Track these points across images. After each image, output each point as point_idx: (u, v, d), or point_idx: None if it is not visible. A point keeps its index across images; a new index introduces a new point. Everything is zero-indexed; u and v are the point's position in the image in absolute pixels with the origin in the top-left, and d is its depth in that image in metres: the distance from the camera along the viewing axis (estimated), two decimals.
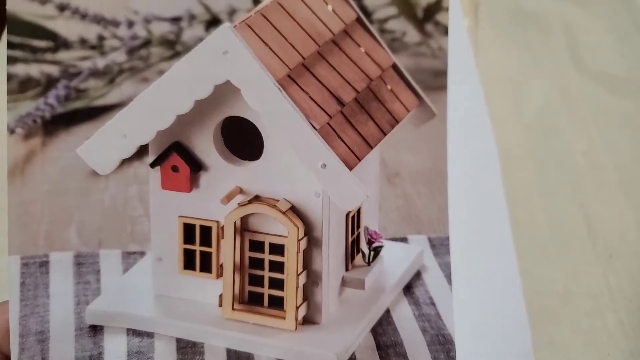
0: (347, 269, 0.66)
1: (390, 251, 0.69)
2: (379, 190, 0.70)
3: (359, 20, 0.69)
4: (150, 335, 0.62)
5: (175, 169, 0.62)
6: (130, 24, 0.62)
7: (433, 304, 0.67)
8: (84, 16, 0.63)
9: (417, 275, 0.70)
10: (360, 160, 0.61)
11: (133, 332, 0.63)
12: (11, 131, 0.62)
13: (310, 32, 0.65)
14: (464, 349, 0.65)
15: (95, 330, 0.63)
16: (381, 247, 0.67)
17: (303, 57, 0.63)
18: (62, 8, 0.63)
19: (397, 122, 0.67)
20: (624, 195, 0.81)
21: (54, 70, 0.64)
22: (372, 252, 0.67)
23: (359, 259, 0.67)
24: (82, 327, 0.63)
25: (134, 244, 0.67)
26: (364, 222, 0.67)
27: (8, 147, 0.66)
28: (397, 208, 0.72)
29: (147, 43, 0.64)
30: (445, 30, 0.75)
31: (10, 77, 0.63)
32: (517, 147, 0.83)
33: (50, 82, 0.64)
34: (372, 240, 0.67)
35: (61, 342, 0.62)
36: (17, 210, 0.64)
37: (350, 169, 0.59)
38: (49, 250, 0.64)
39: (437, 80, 0.72)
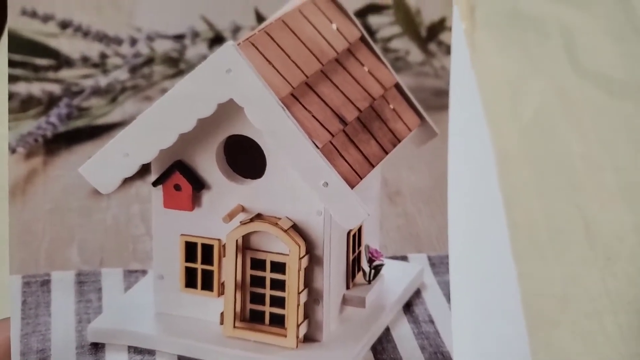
0: (348, 287, 0.67)
1: (390, 269, 0.69)
2: (380, 208, 0.71)
3: (362, 39, 0.70)
4: (151, 352, 0.63)
5: (177, 187, 0.63)
6: (133, 42, 0.63)
7: (432, 321, 0.68)
8: (86, 34, 0.63)
9: (417, 293, 0.71)
10: (361, 179, 0.62)
11: (135, 350, 0.63)
12: (12, 150, 0.63)
13: (314, 51, 0.66)
14: None
15: (97, 348, 0.63)
16: (382, 265, 0.68)
17: (306, 76, 0.64)
18: (64, 26, 0.64)
19: (399, 141, 0.68)
20: (622, 198, 0.81)
21: (55, 88, 0.65)
22: (372, 271, 0.68)
23: (359, 277, 0.68)
24: (83, 345, 0.63)
25: (136, 262, 0.67)
26: (365, 240, 0.68)
27: (9, 167, 0.67)
28: (398, 226, 0.73)
29: (150, 61, 0.65)
30: (448, 50, 0.76)
31: (11, 96, 0.64)
32: (514, 150, 0.83)
33: (52, 101, 0.64)
34: (373, 258, 0.68)
35: None
36: (18, 229, 0.65)
37: (352, 187, 0.60)
38: (50, 269, 0.65)
39: (439, 99, 0.73)
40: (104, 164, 0.61)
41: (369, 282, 0.68)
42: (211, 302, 0.64)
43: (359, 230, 0.67)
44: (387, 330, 0.67)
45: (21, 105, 0.63)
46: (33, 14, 0.63)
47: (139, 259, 0.67)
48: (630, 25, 0.99)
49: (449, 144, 0.70)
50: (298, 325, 0.62)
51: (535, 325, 0.69)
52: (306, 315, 0.63)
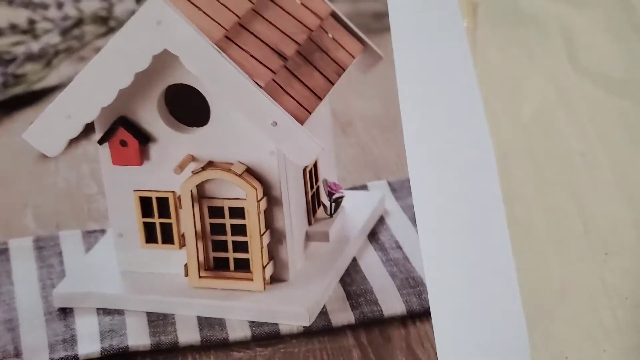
0: (310, 224, 0.70)
1: (351, 200, 0.72)
2: (334, 140, 0.73)
3: None
4: (120, 312, 0.66)
5: (123, 143, 0.65)
6: (60, 5, 0.64)
7: (399, 247, 0.71)
8: (10, 2, 0.65)
9: (381, 220, 0.74)
10: (310, 114, 0.64)
11: (103, 311, 0.66)
12: None
13: None
14: (435, 289, 0.69)
15: (65, 312, 0.66)
16: (342, 197, 0.71)
17: (238, 16, 0.65)
18: None
19: (344, 70, 0.70)
20: (620, 195, 0.85)
21: None
22: (333, 204, 0.71)
23: (321, 212, 0.71)
24: (51, 311, 0.66)
25: (93, 222, 0.69)
26: (322, 175, 0.71)
27: None
28: (354, 157, 0.75)
29: (79, 22, 0.66)
30: None
31: None
32: (514, 147, 0.86)
33: None
34: (332, 191, 0.71)
35: (32, 329, 0.64)
36: None
37: (302, 123, 0.62)
38: (7, 238, 0.67)
39: (379, 22, 0.75)
40: (47, 127, 0.63)
41: (331, 215, 0.71)
42: (174, 255, 0.67)
43: (315, 165, 0.70)
44: (355, 261, 0.70)
45: None
46: None
47: (96, 218, 0.69)
48: (630, 24, 1.00)
49: (395, 66, 0.73)
50: (264, 268, 0.65)
51: (534, 320, 0.73)
52: (271, 257, 0.66)
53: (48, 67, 0.63)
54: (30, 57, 0.63)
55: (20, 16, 0.62)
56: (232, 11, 0.64)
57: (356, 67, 0.70)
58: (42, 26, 0.63)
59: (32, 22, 0.62)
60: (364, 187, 0.76)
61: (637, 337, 0.74)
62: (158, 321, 0.64)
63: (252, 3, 0.66)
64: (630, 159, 0.88)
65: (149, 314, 0.65)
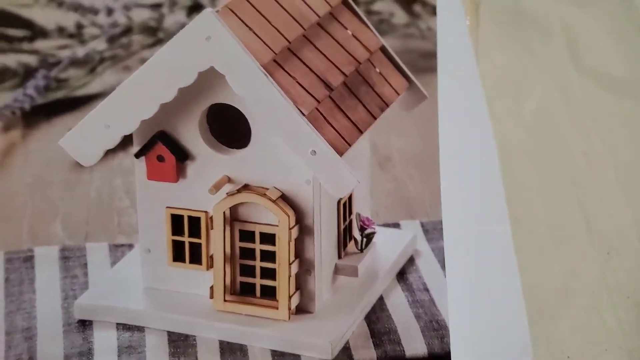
0: (339, 257, 0.65)
1: (383, 237, 0.67)
2: (371, 175, 0.69)
3: (345, 2, 0.67)
4: (140, 329, 0.61)
5: (160, 158, 0.60)
6: (110, 11, 0.60)
7: (427, 289, 0.66)
8: (60, 4, 0.60)
9: (411, 260, 0.69)
10: (350, 146, 0.60)
11: (123, 327, 0.61)
12: None
13: (295, 15, 0.63)
14: (458, 334, 0.64)
15: (84, 325, 0.61)
16: (373, 233, 0.66)
17: (288, 41, 0.61)
18: None
19: (387, 105, 0.65)
20: (622, 194, 0.80)
21: (31, 60, 0.62)
22: (364, 239, 0.66)
23: (351, 246, 0.66)
24: (70, 322, 0.61)
25: (122, 236, 0.65)
26: (355, 208, 0.66)
27: None
28: (389, 193, 0.71)
29: (127, 30, 0.62)
30: (433, 11, 0.74)
31: None
32: (516, 146, 0.82)
33: (28, 73, 0.61)
34: (365, 226, 0.66)
35: (49, 339, 0.60)
36: (4, 206, 0.63)
37: (341, 154, 0.58)
38: (33, 245, 0.63)
39: (426, 61, 0.71)
40: (84, 136, 0.58)
41: (361, 250, 0.66)
42: (200, 275, 0.62)
43: (350, 198, 0.65)
44: (381, 299, 0.65)
45: None
46: None
47: (125, 232, 0.65)
48: (632, 25, 0.97)
49: (439, 107, 0.68)
50: (290, 297, 0.61)
51: (536, 319, 0.68)
52: (298, 287, 0.62)
53: (92, 73, 0.59)
54: (75, 62, 0.59)
55: (69, 19, 0.59)
56: (283, 35, 0.60)
57: (400, 104, 0.66)
58: (90, 31, 0.59)
59: (80, 26, 0.58)
60: (396, 225, 0.71)
61: (639, 336, 0.69)
62: (179, 341, 0.59)
63: (304, 29, 0.62)
64: (633, 158, 0.84)
65: (169, 334, 0.60)
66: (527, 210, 0.76)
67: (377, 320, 0.63)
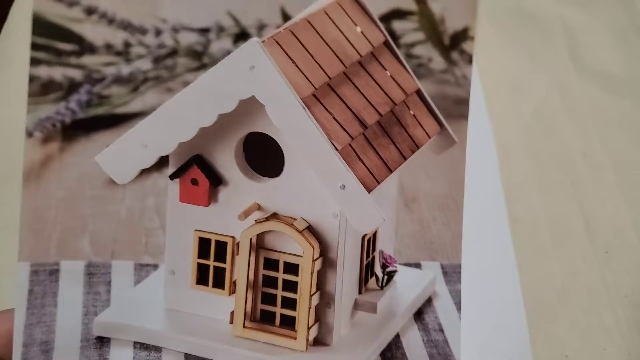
0: (360, 292, 0.63)
1: (403, 276, 0.66)
2: (396, 214, 0.67)
3: (386, 43, 0.66)
4: (158, 349, 0.59)
5: (194, 182, 0.59)
6: (158, 32, 0.58)
7: (442, 330, 0.64)
8: (111, 21, 0.59)
9: (428, 301, 0.67)
10: (379, 184, 0.59)
11: (140, 346, 0.59)
12: (29, 134, 0.58)
13: (338, 53, 0.62)
14: None
15: (102, 342, 0.59)
16: (395, 271, 0.65)
17: (329, 77, 0.60)
18: (89, 12, 0.60)
19: (418, 147, 0.64)
20: (621, 194, 0.77)
21: (77, 74, 0.60)
22: (385, 277, 0.64)
23: (372, 282, 0.64)
24: (88, 338, 0.59)
25: (148, 256, 0.63)
26: (379, 245, 0.65)
27: (25, 151, 0.63)
28: (413, 233, 0.69)
29: (173, 52, 0.60)
30: (470, 59, 0.72)
31: (32, 79, 0.60)
32: (515, 145, 0.78)
33: (72, 87, 0.60)
34: (387, 264, 0.64)
35: (66, 354, 0.58)
36: (29, 215, 0.61)
37: (369, 191, 0.56)
38: (60, 259, 0.61)
39: (459, 108, 0.69)
40: (121, 153, 0.57)
41: (382, 288, 0.64)
42: (222, 300, 0.60)
43: (374, 235, 0.64)
44: (397, 337, 0.63)
45: (41, 89, 0.58)
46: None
47: (151, 252, 0.63)
48: (632, 25, 0.94)
49: (467, 153, 0.67)
50: (308, 328, 0.59)
51: (534, 318, 0.65)
52: (317, 318, 0.60)
53: (134, 92, 0.58)
54: (119, 80, 0.57)
55: (118, 37, 0.57)
56: (324, 71, 0.59)
57: (429, 147, 0.64)
58: (137, 50, 0.57)
59: (127, 44, 0.57)
60: (417, 265, 0.70)
61: (638, 335, 0.66)
62: None
63: (345, 67, 0.61)
64: (631, 158, 0.80)
65: (187, 356, 0.58)
66: (526, 210, 0.73)
67: (392, 357, 0.61)
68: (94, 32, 0.59)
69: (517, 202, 0.72)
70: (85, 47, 0.59)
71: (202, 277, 0.61)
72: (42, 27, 0.58)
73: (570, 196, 0.76)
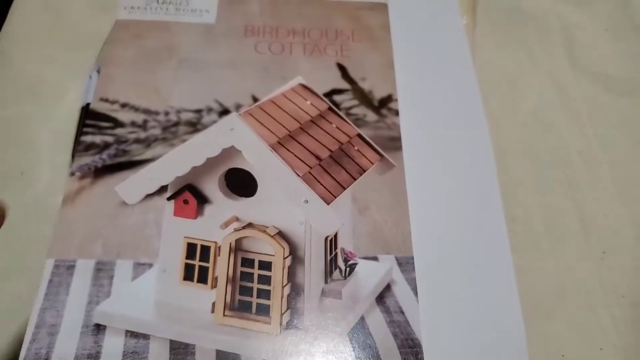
0: (326, 282, 0.41)
1: (363, 268, 0.43)
2: (353, 218, 0.45)
3: (330, 108, 0.49)
4: (146, 337, 0.36)
5: (186, 202, 0.39)
6: (167, 113, 0.43)
7: (402, 312, 0.40)
8: (137, 109, 0.44)
9: (388, 288, 0.43)
10: (335, 197, 0.39)
11: (131, 334, 0.37)
12: (72, 173, 0.41)
13: (294, 116, 0.45)
14: (430, 351, 0.36)
15: (99, 329, 0.37)
16: (356, 264, 0.42)
17: (289, 131, 0.42)
18: (123, 105, 0.45)
19: (364, 171, 0.44)
20: (618, 193, 0.45)
21: (109, 139, 0.44)
22: (348, 269, 0.42)
23: (337, 274, 0.42)
24: (88, 324, 0.37)
25: (146, 257, 0.42)
26: (340, 244, 0.43)
27: (67, 185, 0.42)
28: (368, 233, 0.46)
29: (176, 124, 0.44)
30: (396, 113, 0.51)
31: (80, 143, 0.44)
32: (512, 144, 0.47)
33: (105, 146, 0.44)
34: (348, 258, 0.42)
35: (67, 338, 0.36)
36: (63, 227, 0.41)
37: (328, 203, 0.37)
38: (77, 257, 0.40)
39: (392, 143, 0.48)
40: (134, 184, 0.38)
41: (345, 278, 0.42)
42: (205, 293, 0.38)
43: (335, 236, 0.42)
44: (362, 319, 0.39)
45: (85, 148, 0.42)
46: (106, 100, 0.44)
47: (148, 254, 0.42)
48: (629, 24, 0.56)
49: (405, 173, 0.45)
50: (282, 314, 0.36)
51: (531, 317, 0.38)
52: (289, 306, 0.38)
53: (147, 147, 0.40)
54: (137, 141, 0.41)
55: (139, 118, 0.40)
56: (285, 127, 0.41)
57: (374, 170, 0.43)
58: (151, 124, 0.42)
59: (145, 121, 0.41)
60: (375, 259, 0.45)
61: (634, 335, 0.37)
62: (179, 349, 0.35)
63: (301, 124, 0.42)
64: (628, 157, 0.46)
65: (172, 342, 0.36)
66: (523, 209, 0.44)
67: (358, 337, 0.37)
68: (124, 115, 0.44)
69: (514, 201, 0.43)
70: (117, 124, 0.43)
71: (188, 274, 0.39)
72: (93, 115, 0.43)
73: (567, 195, 0.45)
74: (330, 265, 0.42)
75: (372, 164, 0.49)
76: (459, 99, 0.46)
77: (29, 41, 0.49)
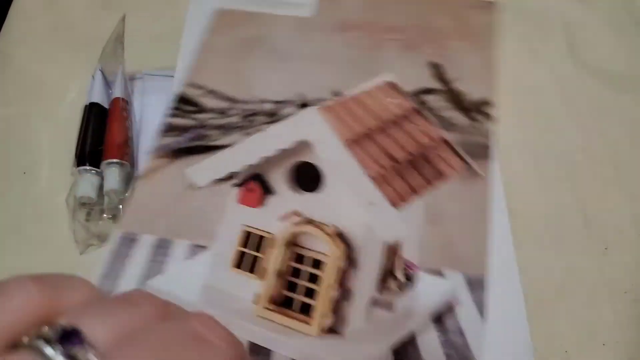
0: (379, 291, 0.37)
1: (425, 282, 0.39)
2: (422, 228, 0.40)
3: (416, 109, 0.44)
4: None
5: (251, 190, 0.39)
6: (248, 102, 0.42)
7: (462, 333, 0.35)
8: (221, 96, 0.44)
9: (449, 307, 0.38)
10: (405, 202, 0.35)
11: None
12: (152, 152, 0.43)
13: (375, 114, 0.41)
14: None
15: None
16: (415, 276, 0.38)
17: (368, 129, 0.39)
18: (210, 92, 0.46)
19: (443, 178, 0.39)
20: (620, 189, 0.42)
21: (192, 122, 0.45)
22: (406, 280, 0.38)
23: (394, 285, 0.38)
24: None
25: (203, 239, 0.41)
26: (402, 252, 0.39)
27: (146, 162, 0.42)
28: (437, 245, 0.41)
29: (255, 113, 0.43)
30: (490, 118, 0.44)
31: (165, 124, 0.45)
32: (515, 141, 0.44)
33: (186, 129, 0.45)
34: (408, 269, 0.38)
35: None
36: (134, 201, 0.41)
37: (396, 208, 0.33)
38: (141, 232, 0.39)
39: (482, 151, 0.42)
40: (205, 168, 0.38)
41: (401, 290, 0.38)
42: (252, 283, 0.37)
43: (397, 243, 0.39)
44: (413, 336, 0.35)
45: (167, 129, 0.43)
46: (196, 85, 0.45)
47: (206, 237, 0.40)
48: (631, 20, 0.53)
49: (488, 184, 0.38)
50: (324, 317, 0.34)
51: (534, 313, 0.35)
52: (334, 310, 0.35)
53: (224, 134, 0.41)
54: (216, 127, 0.41)
55: (222, 105, 0.41)
56: (364, 125, 0.38)
57: (456, 178, 0.38)
58: (232, 112, 0.41)
59: (227, 108, 0.40)
60: (440, 274, 0.40)
61: (637, 331, 0.33)
62: None
63: (381, 123, 0.39)
64: (631, 153, 0.42)
65: None
66: (526, 206, 0.41)
67: (405, 353, 0.34)
68: (209, 101, 0.45)
69: (517, 197, 0.41)
70: (200, 108, 0.44)
71: (239, 262, 0.38)
72: (181, 99, 0.45)
73: (569, 192, 0.42)
74: (387, 274, 0.39)
75: (455, 171, 0.44)
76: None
77: (29, 40, 0.49)
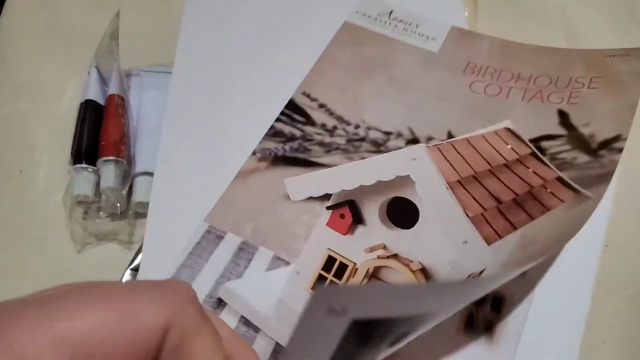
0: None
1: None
2: (510, 254, 0.37)
3: (532, 154, 0.41)
4: (256, 329, 0.36)
5: (342, 216, 0.38)
6: (357, 126, 0.42)
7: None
8: (331, 113, 0.44)
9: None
10: (500, 238, 0.33)
11: (245, 321, 0.36)
12: (253, 152, 0.43)
13: (486, 158, 0.39)
14: None
15: (220, 304, 0.37)
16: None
17: (475, 171, 0.38)
18: (321, 106, 0.45)
19: (549, 210, 0.36)
20: (621, 185, 0.40)
21: (298, 133, 0.44)
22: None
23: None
24: (212, 295, 0.37)
25: (286, 254, 0.40)
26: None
27: (247, 161, 0.42)
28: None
29: (362, 139, 0.42)
30: (619, 151, 0.38)
31: (272, 127, 0.45)
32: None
33: (291, 138, 0.44)
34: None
35: None
36: (227, 198, 0.41)
37: (489, 244, 0.32)
38: (228, 230, 0.40)
39: (599, 180, 0.37)
40: (302, 183, 0.38)
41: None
42: None
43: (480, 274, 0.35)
44: None
45: (273, 134, 0.43)
46: (308, 95, 0.46)
47: (290, 253, 0.40)
48: (630, 16, 0.49)
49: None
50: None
51: None
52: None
53: (327, 153, 0.40)
54: (321, 144, 0.41)
55: (330, 122, 0.41)
56: (471, 167, 0.37)
57: (562, 208, 0.35)
58: (339, 132, 0.41)
59: (335, 127, 0.43)
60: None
61: (637, 327, 0.35)
62: (278, 353, 0.34)
63: (491, 167, 0.37)
64: (632, 149, 0.38)
65: (277, 346, 0.34)
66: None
67: None
68: (318, 115, 0.44)
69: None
70: (309, 121, 0.43)
71: (318, 285, 0.37)
72: (292, 106, 0.45)
73: None
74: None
75: (562, 202, 0.39)
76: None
77: (24, 39, 0.47)
